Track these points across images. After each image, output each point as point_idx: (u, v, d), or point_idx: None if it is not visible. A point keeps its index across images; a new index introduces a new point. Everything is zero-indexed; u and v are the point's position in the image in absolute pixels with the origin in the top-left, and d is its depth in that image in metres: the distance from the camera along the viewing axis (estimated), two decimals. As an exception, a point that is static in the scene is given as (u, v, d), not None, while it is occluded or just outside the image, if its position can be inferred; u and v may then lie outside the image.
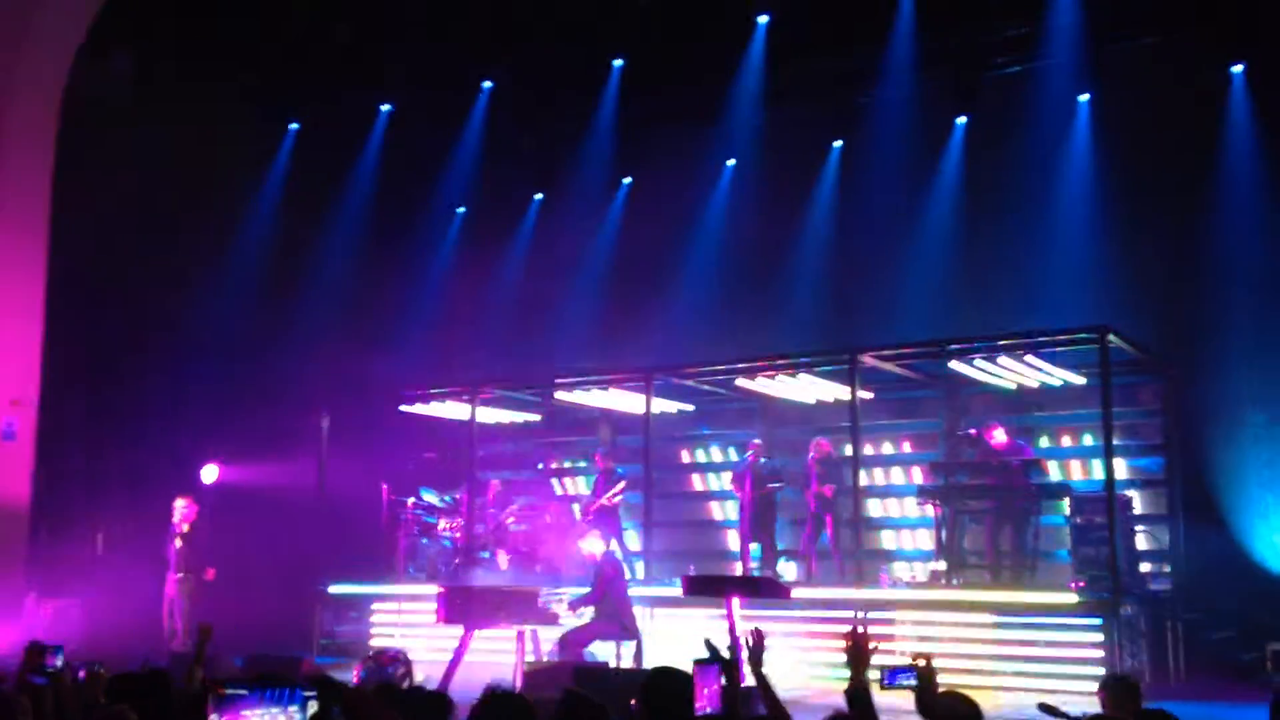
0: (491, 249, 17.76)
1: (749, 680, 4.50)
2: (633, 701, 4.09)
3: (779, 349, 13.76)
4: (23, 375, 13.96)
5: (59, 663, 5.49)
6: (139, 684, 5.02)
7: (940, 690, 4.28)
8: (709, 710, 4.02)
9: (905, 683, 4.24)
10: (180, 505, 12.97)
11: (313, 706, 3.17)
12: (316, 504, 15.08)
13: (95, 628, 13.80)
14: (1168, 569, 12.91)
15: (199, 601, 12.80)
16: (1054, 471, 13.35)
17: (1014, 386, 13.51)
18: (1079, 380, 12.99)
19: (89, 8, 14.60)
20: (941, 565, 12.33)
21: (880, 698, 4.42)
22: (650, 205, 16.92)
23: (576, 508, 15.49)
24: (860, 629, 4.61)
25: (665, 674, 4.24)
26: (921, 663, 4.21)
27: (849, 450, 12.91)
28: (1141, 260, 13.04)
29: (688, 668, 4.23)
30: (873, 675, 4.41)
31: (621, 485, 14.46)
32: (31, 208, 14.27)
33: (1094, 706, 5.07)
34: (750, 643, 4.48)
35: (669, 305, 15.90)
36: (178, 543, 12.90)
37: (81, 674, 5.69)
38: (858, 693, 4.22)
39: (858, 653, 4.39)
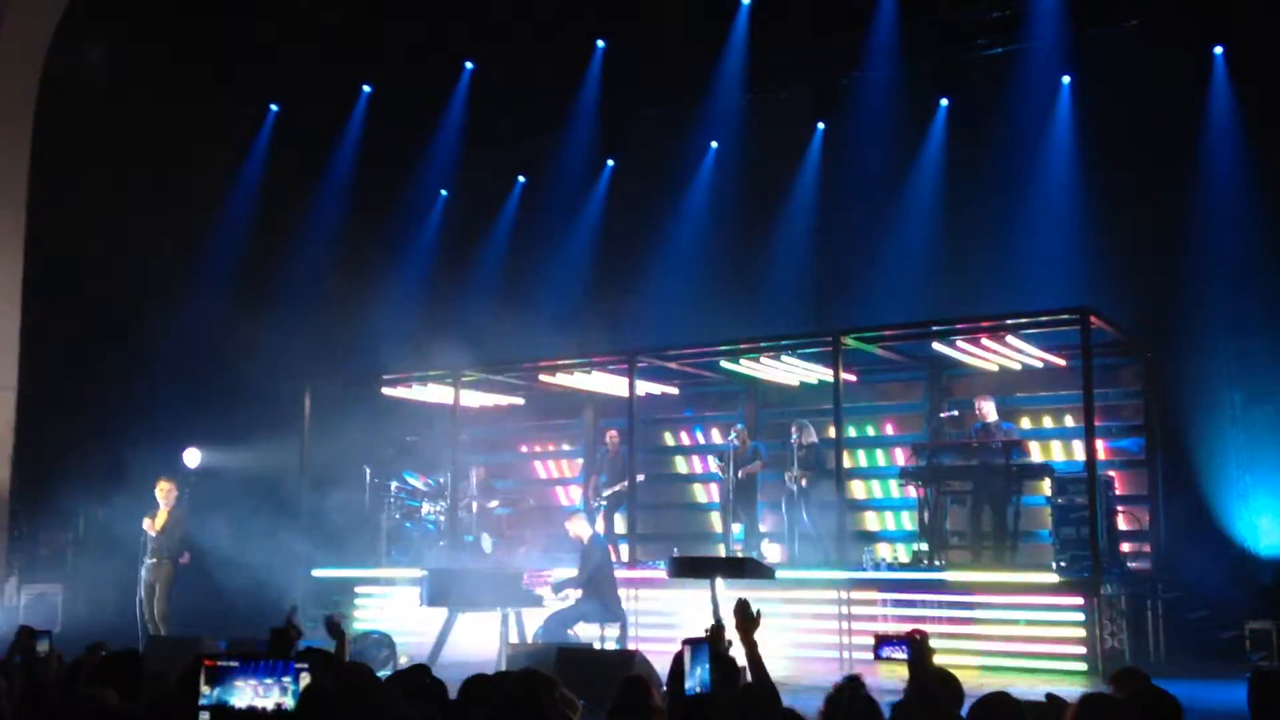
0: (474, 231, 17.70)
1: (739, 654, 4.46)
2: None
3: (762, 331, 13.76)
4: (2, 361, 13.87)
5: (44, 647, 5.47)
6: (111, 666, 5.00)
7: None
8: (698, 690, 4.01)
9: (896, 655, 4.21)
10: (164, 488, 12.87)
11: (305, 677, 3.18)
12: (299, 487, 15.05)
13: (75, 613, 13.75)
14: (1148, 549, 13.02)
15: (175, 586, 12.74)
16: (1035, 452, 13.42)
17: (996, 368, 13.57)
18: (1060, 361, 13.07)
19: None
20: (924, 546, 12.40)
21: (870, 676, 4.42)
22: (633, 187, 16.89)
23: (574, 490, 15.47)
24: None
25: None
26: (916, 635, 4.17)
27: (832, 432, 12.95)
28: (1123, 242, 13.10)
29: (673, 648, 4.23)
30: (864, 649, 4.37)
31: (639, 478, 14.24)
32: (9, 194, 14.16)
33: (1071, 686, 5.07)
34: (739, 615, 4.43)
35: (652, 287, 15.88)
36: (155, 527, 12.79)
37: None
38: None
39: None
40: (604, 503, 14.58)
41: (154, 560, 12.50)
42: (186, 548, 12.73)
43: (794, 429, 13.58)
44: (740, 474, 13.59)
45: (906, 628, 4.68)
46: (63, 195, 14.56)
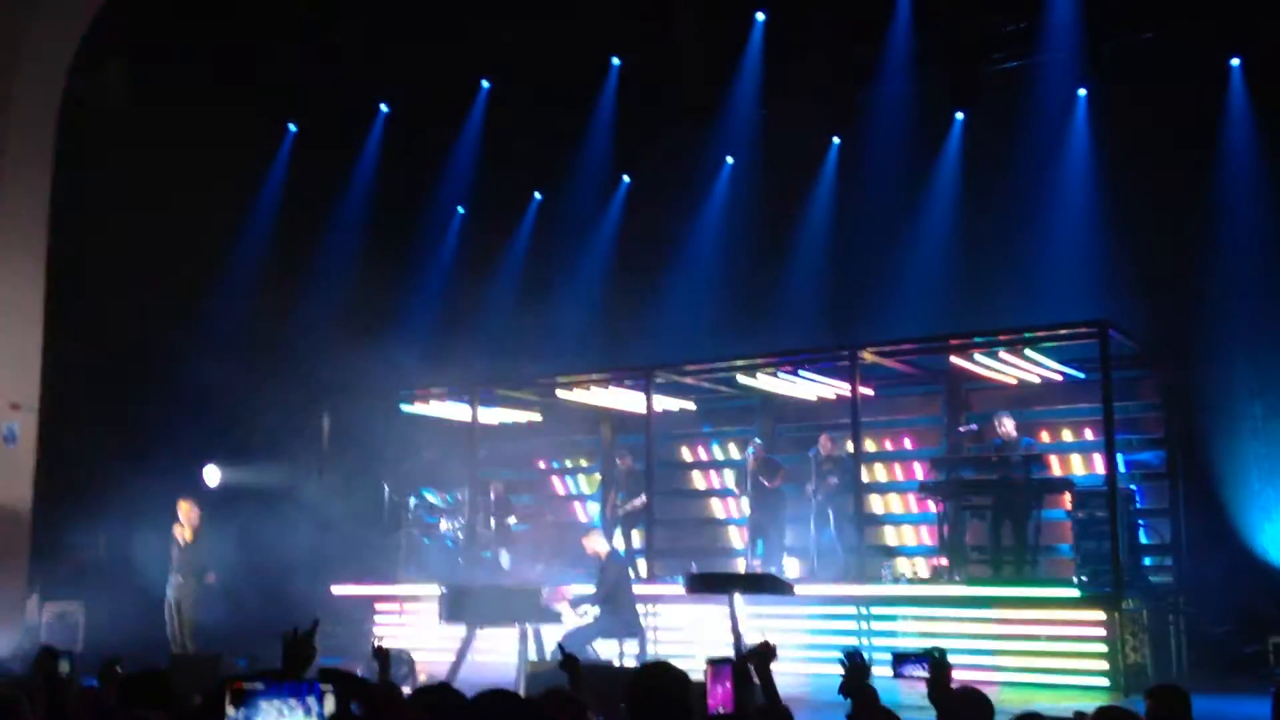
0: (491, 249, 17.76)
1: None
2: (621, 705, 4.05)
3: (779, 345, 13.76)
4: (23, 379, 13.94)
5: (65, 668, 5.49)
6: (143, 686, 5.01)
7: (954, 685, 4.23)
8: (721, 710, 4.00)
9: (916, 673, 4.19)
10: (184, 508, 12.96)
11: (331, 701, 3.17)
12: (317, 505, 15.08)
13: (97, 631, 13.79)
14: (1169, 563, 12.93)
15: (200, 605, 12.81)
16: (1055, 466, 13.35)
17: (1014, 381, 13.53)
18: (1079, 374, 13.02)
19: (84, 14, 14.58)
20: (943, 561, 12.36)
21: (888, 692, 4.41)
22: (649, 204, 16.93)
23: (592, 506, 15.46)
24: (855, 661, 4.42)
25: (656, 671, 4.15)
26: (936, 653, 4.14)
27: (850, 447, 12.93)
28: (1140, 254, 13.05)
29: (688, 664, 4.21)
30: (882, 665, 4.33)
31: (641, 499, 14.28)
32: (31, 212, 14.26)
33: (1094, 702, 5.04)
34: (760, 650, 4.43)
35: (669, 303, 15.90)
36: (180, 545, 12.89)
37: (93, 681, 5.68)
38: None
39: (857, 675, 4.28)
40: (621, 519, 14.57)
41: (180, 579, 12.64)
42: (209, 566, 12.84)
43: (820, 443, 13.56)
44: (768, 485, 13.58)
45: (926, 643, 4.66)
46: (83, 215, 14.67)
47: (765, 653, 4.33)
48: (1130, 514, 12.01)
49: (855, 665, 4.25)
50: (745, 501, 14.09)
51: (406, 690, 4.99)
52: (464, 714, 3.93)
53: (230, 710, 2.97)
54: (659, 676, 3.81)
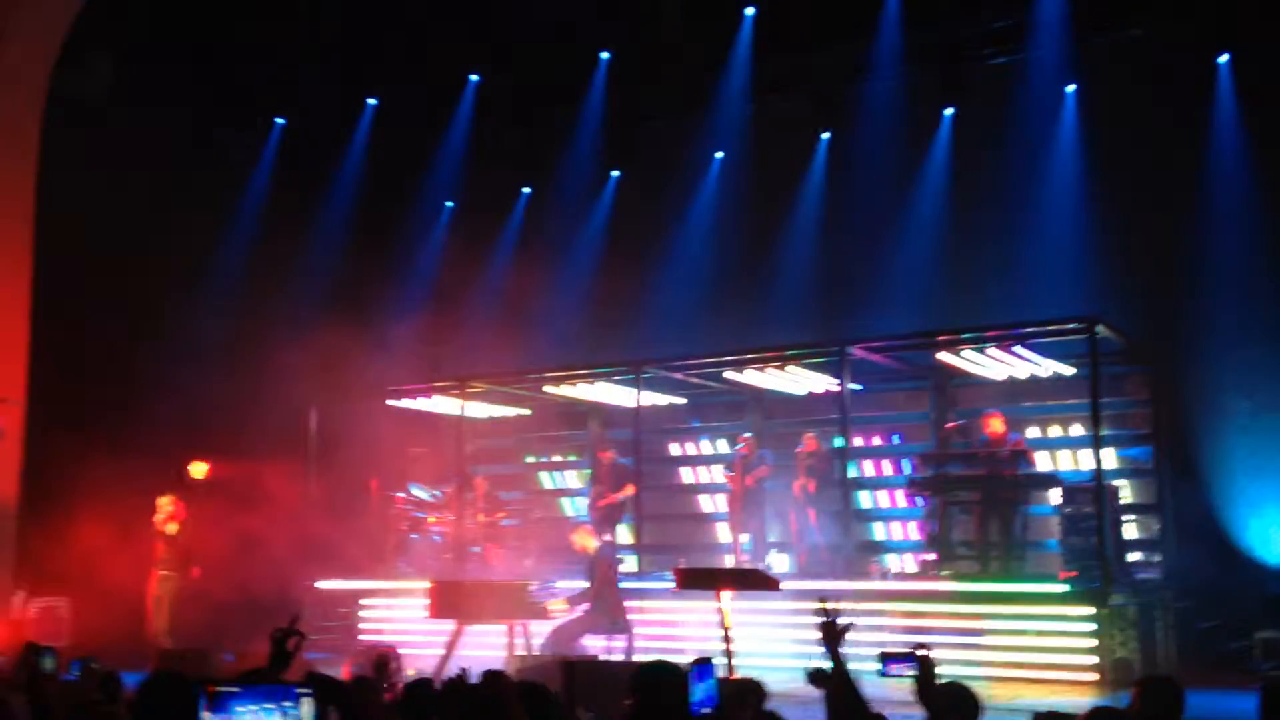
0: (480, 243, 17.71)
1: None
2: (626, 701, 4.04)
3: (768, 341, 13.76)
4: (9, 373, 13.88)
5: (50, 664, 5.46)
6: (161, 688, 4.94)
7: (940, 682, 4.22)
8: (705, 710, 3.99)
9: (904, 673, 4.18)
10: (164, 503, 12.92)
11: (308, 706, 3.15)
12: (305, 499, 15.04)
13: (84, 626, 13.73)
14: (1157, 558, 12.97)
15: (184, 600, 12.76)
16: (1043, 462, 13.38)
17: (1003, 377, 13.54)
18: (1067, 371, 13.04)
19: (67, 11, 14.49)
20: (931, 556, 12.37)
21: (874, 688, 4.40)
22: (638, 198, 16.90)
23: (579, 501, 15.48)
24: (830, 611, 4.41)
25: (658, 669, 4.16)
26: (922, 652, 4.13)
27: (839, 442, 12.93)
28: (1128, 250, 13.08)
29: (676, 660, 4.20)
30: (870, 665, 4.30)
31: (629, 489, 14.28)
32: (16, 207, 14.18)
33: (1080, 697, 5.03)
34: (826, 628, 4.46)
35: (658, 298, 15.88)
36: (165, 540, 12.85)
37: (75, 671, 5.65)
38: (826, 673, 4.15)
39: (831, 634, 4.27)
40: (604, 512, 14.52)
41: (163, 573, 12.62)
42: (193, 561, 12.80)
43: (803, 440, 13.57)
44: (748, 480, 13.59)
45: (914, 639, 4.65)
46: (69, 210, 14.59)
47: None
48: (1117, 509, 12.04)
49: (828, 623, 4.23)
50: (733, 496, 14.08)
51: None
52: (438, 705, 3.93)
53: (206, 715, 2.95)
54: (662, 675, 3.81)
